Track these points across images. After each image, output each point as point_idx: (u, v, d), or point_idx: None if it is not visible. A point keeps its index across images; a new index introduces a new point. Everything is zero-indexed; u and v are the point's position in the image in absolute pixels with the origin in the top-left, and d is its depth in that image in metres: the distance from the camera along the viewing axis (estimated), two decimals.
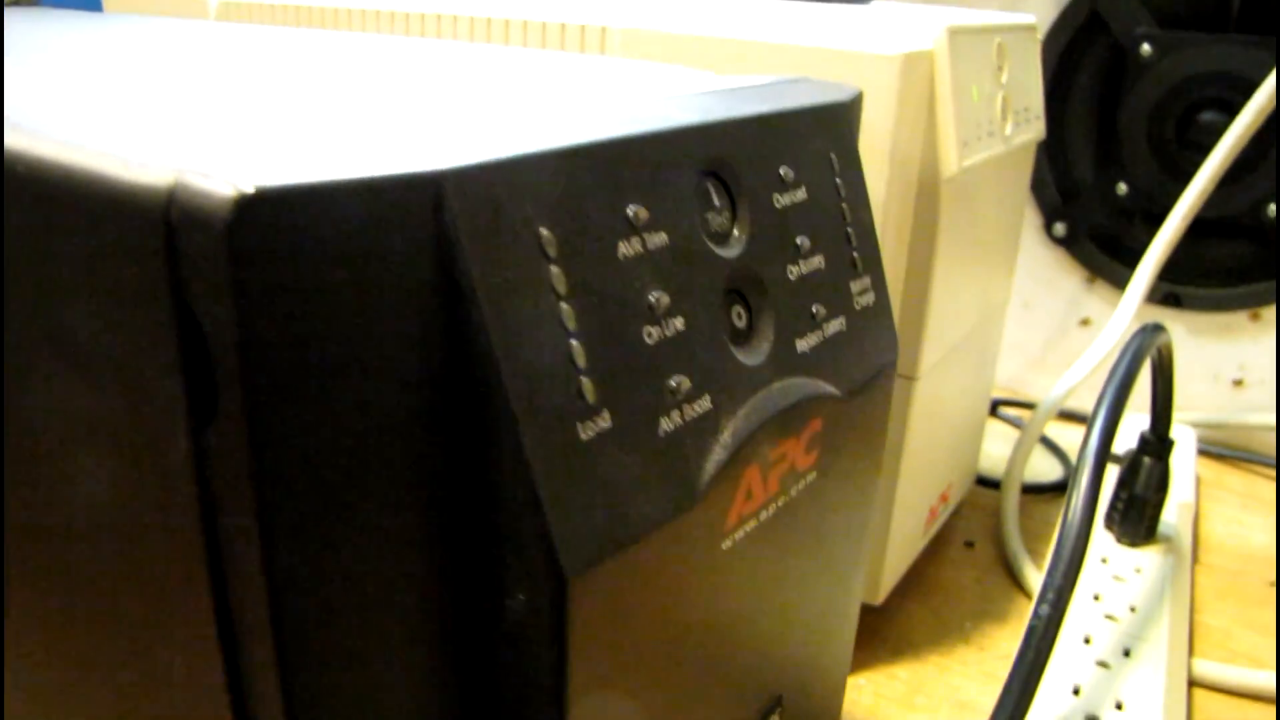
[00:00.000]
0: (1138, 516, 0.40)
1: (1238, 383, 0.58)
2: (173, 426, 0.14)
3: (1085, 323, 0.62)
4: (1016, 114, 0.39)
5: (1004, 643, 0.41)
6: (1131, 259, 0.58)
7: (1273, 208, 0.53)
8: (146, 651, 0.17)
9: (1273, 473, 0.56)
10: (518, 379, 0.14)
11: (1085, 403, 0.61)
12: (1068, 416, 0.62)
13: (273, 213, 0.12)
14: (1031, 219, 0.61)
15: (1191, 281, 0.57)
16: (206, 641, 0.15)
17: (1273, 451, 0.57)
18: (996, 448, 0.57)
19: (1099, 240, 0.60)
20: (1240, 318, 0.57)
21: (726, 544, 0.18)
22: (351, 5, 0.44)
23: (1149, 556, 0.41)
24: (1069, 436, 0.59)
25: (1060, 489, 0.53)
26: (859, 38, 0.31)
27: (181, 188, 0.12)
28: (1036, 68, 0.42)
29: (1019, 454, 0.49)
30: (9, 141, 0.15)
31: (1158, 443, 0.40)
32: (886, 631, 0.41)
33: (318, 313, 0.13)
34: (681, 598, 0.17)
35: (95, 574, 0.17)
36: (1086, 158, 0.58)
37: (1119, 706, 0.31)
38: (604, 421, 0.15)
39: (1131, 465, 0.41)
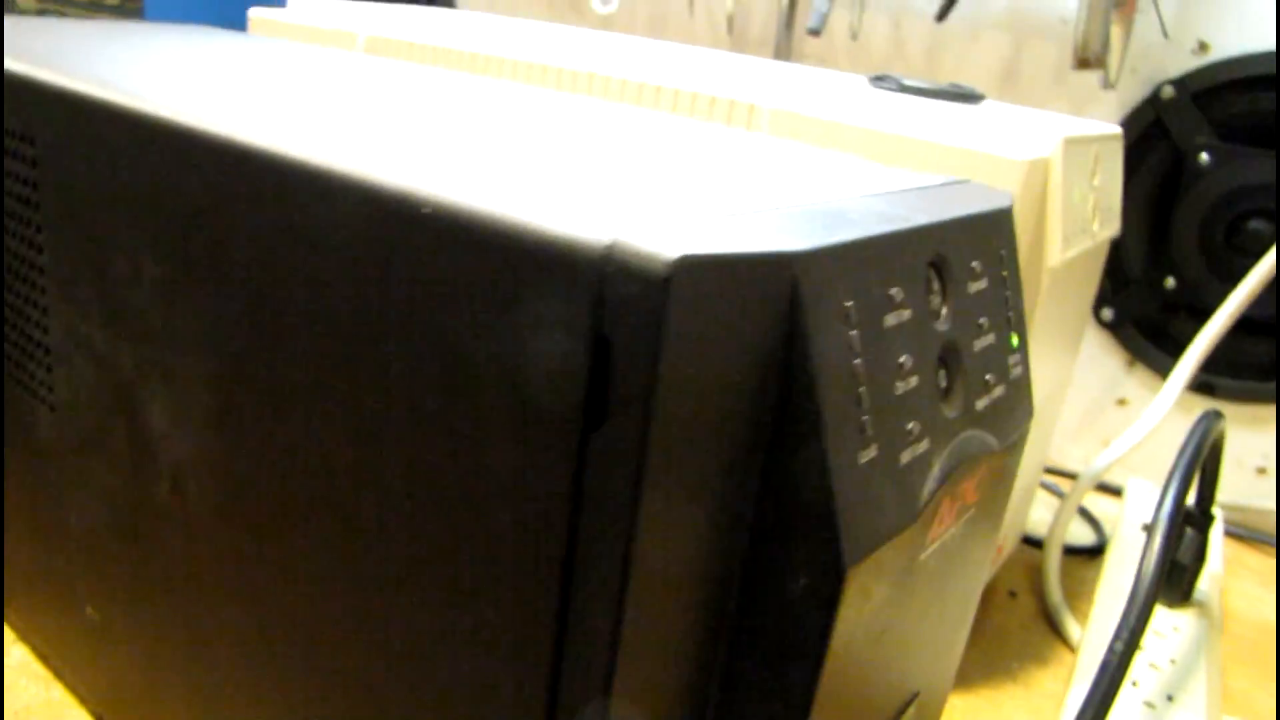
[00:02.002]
0: (1177, 581, 0.45)
1: (1261, 470, 0.63)
2: (561, 430, 0.18)
3: (1122, 402, 0.66)
4: (1102, 213, 0.44)
5: (1047, 683, 0.46)
6: (1171, 347, 0.63)
7: None
8: (475, 606, 0.21)
9: None
10: (833, 412, 0.18)
11: (1117, 477, 0.66)
12: (1101, 488, 0.66)
13: (690, 274, 0.17)
14: None
15: (1225, 373, 0.62)
16: (544, 595, 0.19)
17: None
18: (1036, 512, 0.62)
19: (1142, 327, 0.65)
20: (1268, 410, 0.62)
21: (923, 556, 0.22)
22: (504, 55, 0.49)
23: (1184, 618, 0.45)
24: (1102, 506, 0.64)
25: (1094, 552, 0.58)
26: (987, 140, 0.36)
27: (619, 247, 0.17)
28: (1119, 173, 0.47)
29: (1062, 517, 0.54)
30: (415, 183, 0.20)
31: (1200, 516, 0.45)
32: None
33: (700, 351, 0.17)
34: (896, 595, 0.22)
35: (448, 545, 0.21)
36: (1139, 251, 0.63)
37: None
38: (873, 451, 0.19)
39: (1174, 534, 0.45)
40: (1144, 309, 0.64)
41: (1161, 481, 0.64)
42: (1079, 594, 0.53)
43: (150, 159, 0.26)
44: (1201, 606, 0.46)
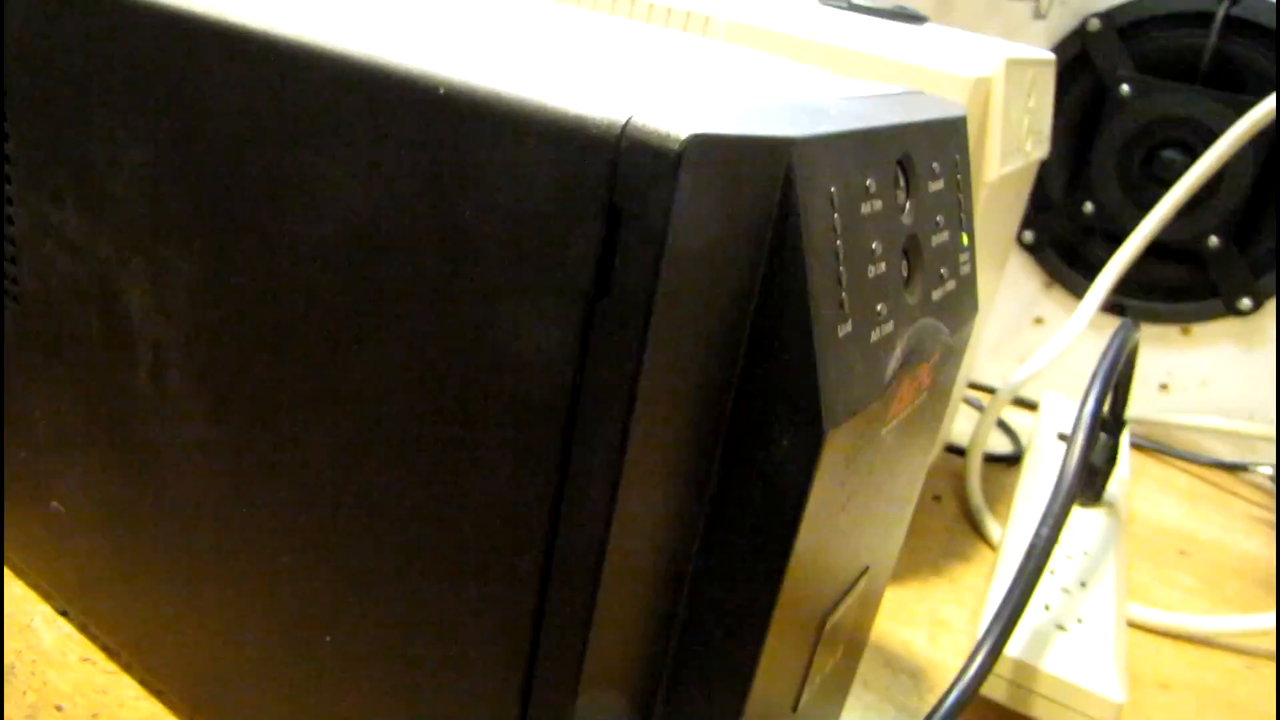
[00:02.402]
0: (1091, 481, 0.49)
1: (1163, 387, 0.67)
2: (570, 297, 0.19)
3: (1039, 321, 0.70)
4: (1035, 135, 0.46)
5: (969, 577, 0.49)
6: (1086, 270, 0.67)
7: (1212, 239, 0.62)
8: (471, 474, 0.22)
9: (1187, 465, 0.65)
10: (817, 286, 0.20)
11: (1033, 392, 0.70)
12: (1018, 402, 0.70)
13: (700, 151, 0.18)
14: None
15: (1135, 294, 0.66)
16: (547, 455, 0.21)
17: (1190, 449, 0.66)
18: (958, 424, 0.65)
19: (1060, 250, 0.68)
20: (1172, 331, 0.66)
21: (884, 431, 0.24)
22: None
23: (1096, 515, 0.49)
24: (1018, 419, 0.68)
25: (1012, 461, 0.61)
26: (934, 57, 0.38)
27: (634, 125, 0.18)
28: (1050, 98, 0.49)
29: (982, 427, 0.57)
30: (427, 65, 0.20)
31: (1114, 422, 0.48)
32: None
33: (703, 224, 0.18)
34: (859, 466, 0.23)
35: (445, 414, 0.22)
36: (1060, 177, 0.66)
37: (1079, 620, 0.39)
38: (849, 326, 0.21)
39: (1094, 435, 0.49)
40: (1062, 232, 0.67)
41: (1074, 396, 0.68)
42: (998, 498, 0.57)
43: (130, 40, 0.26)
44: (1110, 506, 0.50)
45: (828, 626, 0.26)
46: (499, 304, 0.20)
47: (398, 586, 0.24)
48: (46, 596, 0.38)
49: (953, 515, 0.54)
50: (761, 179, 0.19)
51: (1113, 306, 0.66)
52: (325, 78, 0.22)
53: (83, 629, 0.36)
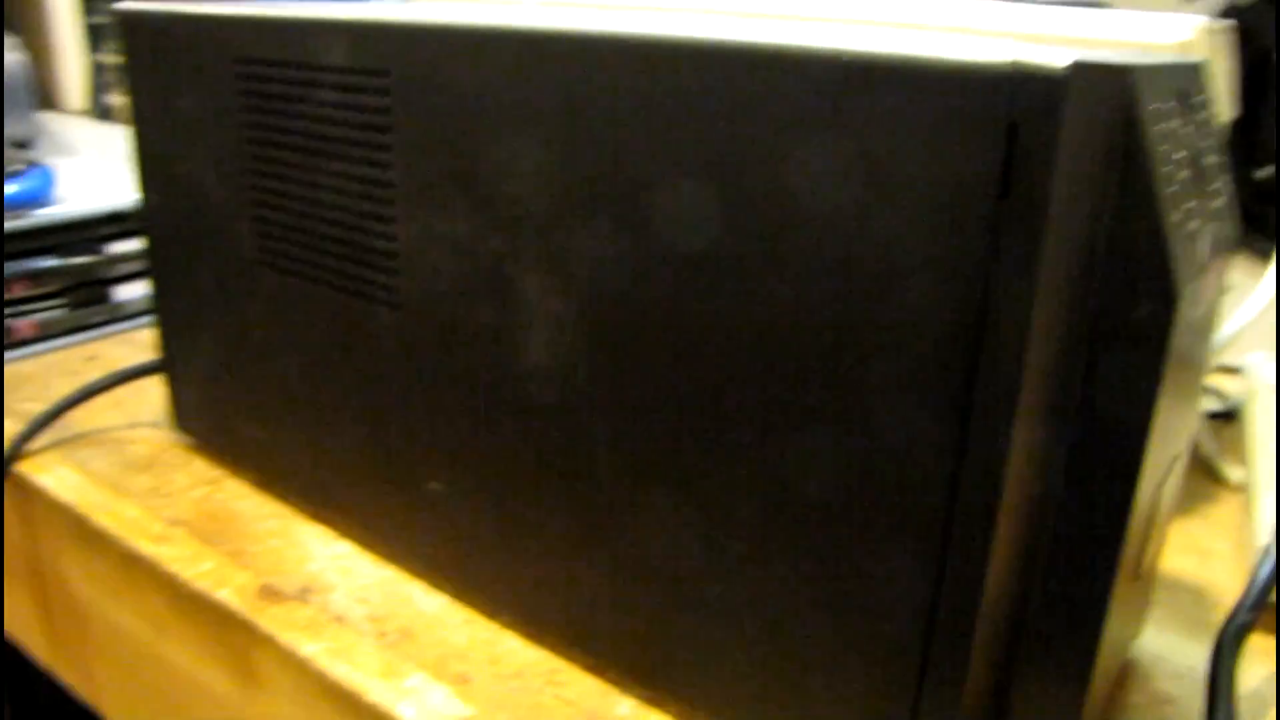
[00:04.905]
0: None
1: None
2: (979, 197, 0.25)
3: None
4: (1228, 96, 0.50)
5: (1218, 513, 0.52)
6: (1266, 233, 0.69)
7: None
8: (884, 363, 0.27)
9: None
10: (1160, 181, 0.25)
11: (1230, 358, 0.72)
12: (1219, 368, 0.72)
13: (1078, 74, 0.23)
14: None
15: None
16: (960, 329, 0.26)
17: None
18: None
19: (1240, 217, 0.71)
20: None
21: (1197, 314, 0.29)
22: None
23: None
24: (1222, 383, 0.70)
25: (1227, 416, 0.64)
26: (1139, 31, 0.43)
27: (1020, 63, 0.23)
28: (1231, 63, 0.53)
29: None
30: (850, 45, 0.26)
31: None
32: None
33: (1076, 133, 0.24)
34: (1181, 340, 0.28)
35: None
36: (1230, 147, 0.70)
37: None
38: (1177, 216, 0.26)
39: None
40: (1240, 200, 0.70)
41: (1272, 357, 0.70)
42: (1224, 448, 0.60)
43: (508, 64, 0.32)
44: None
45: (1161, 500, 0.31)
46: (914, 212, 0.26)
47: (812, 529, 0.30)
48: (419, 574, 0.44)
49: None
50: (1111, 97, 0.24)
51: None
52: (753, 64, 0.28)
53: (457, 596, 0.42)
